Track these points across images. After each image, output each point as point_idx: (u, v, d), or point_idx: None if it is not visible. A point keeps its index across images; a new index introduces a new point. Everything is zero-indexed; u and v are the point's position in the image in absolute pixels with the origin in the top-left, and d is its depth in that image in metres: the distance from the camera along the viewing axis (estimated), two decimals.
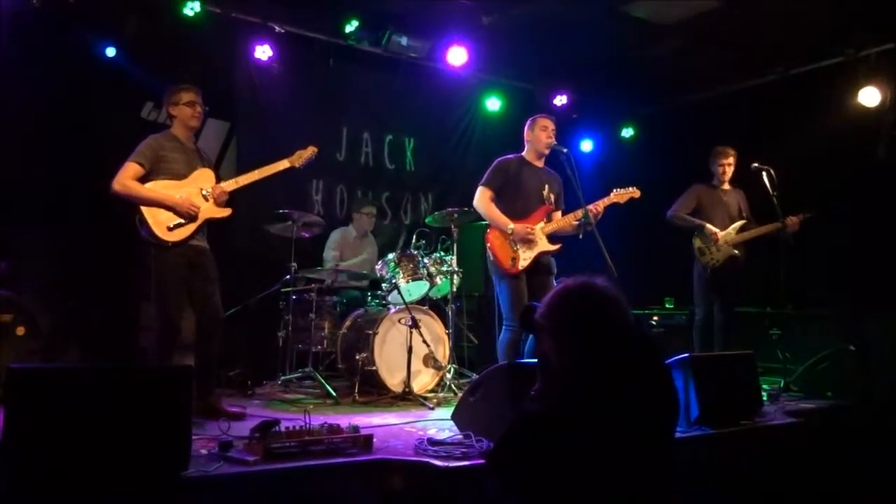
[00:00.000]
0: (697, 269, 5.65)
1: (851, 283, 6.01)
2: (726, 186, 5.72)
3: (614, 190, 4.80)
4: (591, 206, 4.58)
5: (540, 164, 4.84)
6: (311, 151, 4.45)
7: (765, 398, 4.55)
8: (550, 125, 4.78)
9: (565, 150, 4.72)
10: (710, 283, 5.57)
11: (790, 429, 4.04)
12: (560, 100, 7.73)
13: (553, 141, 4.75)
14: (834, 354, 5.05)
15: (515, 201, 4.68)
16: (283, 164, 4.35)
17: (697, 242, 5.62)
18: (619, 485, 1.77)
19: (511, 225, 4.55)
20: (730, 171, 5.67)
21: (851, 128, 6.30)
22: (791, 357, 5.42)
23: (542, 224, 4.66)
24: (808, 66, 6.82)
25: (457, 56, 6.84)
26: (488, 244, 4.67)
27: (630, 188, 4.82)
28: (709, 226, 5.54)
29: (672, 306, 6.85)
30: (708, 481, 3.53)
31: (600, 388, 1.80)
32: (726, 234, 5.54)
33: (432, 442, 3.19)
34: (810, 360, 5.17)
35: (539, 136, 4.76)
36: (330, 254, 6.21)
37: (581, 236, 4.65)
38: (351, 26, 6.41)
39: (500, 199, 4.71)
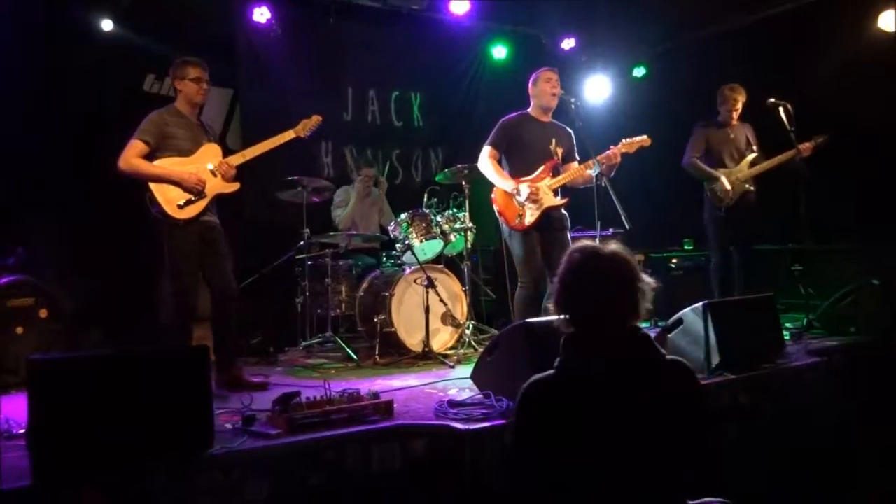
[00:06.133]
0: (709, 209, 5.56)
1: (874, 215, 5.87)
2: (734, 123, 5.61)
3: (623, 140, 4.58)
4: (602, 156, 4.42)
5: (546, 118, 4.70)
6: (315, 120, 4.40)
7: (787, 337, 4.51)
8: (554, 76, 4.63)
9: (573, 100, 4.60)
10: (725, 222, 5.48)
11: (812, 369, 4.02)
12: (568, 43, 7.54)
13: (559, 91, 4.60)
14: (857, 290, 4.95)
15: (522, 159, 4.58)
16: (289, 135, 4.30)
17: (710, 186, 5.54)
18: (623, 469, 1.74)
19: (513, 184, 4.44)
20: (740, 109, 5.56)
21: (872, 55, 6.06)
22: (814, 293, 5.34)
23: (547, 180, 4.54)
24: None
25: (459, 5, 6.67)
26: (494, 203, 4.61)
27: (640, 137, 4.62)
28: (723, 179, 5.41)
29: (692, 247, 6.74)
30: (732, 426, 3.55)
31: (598, 363, 1.77)
32: (738, 170, 5.46)
33: (452, 404, 3.21)
34: (833, 296, 5.09)
35: (543, 88, 4.61)
36: (336, 212, 6.16)
37: (603, 184, 4.41)
38: None
39: (507, 158, 4.64)
